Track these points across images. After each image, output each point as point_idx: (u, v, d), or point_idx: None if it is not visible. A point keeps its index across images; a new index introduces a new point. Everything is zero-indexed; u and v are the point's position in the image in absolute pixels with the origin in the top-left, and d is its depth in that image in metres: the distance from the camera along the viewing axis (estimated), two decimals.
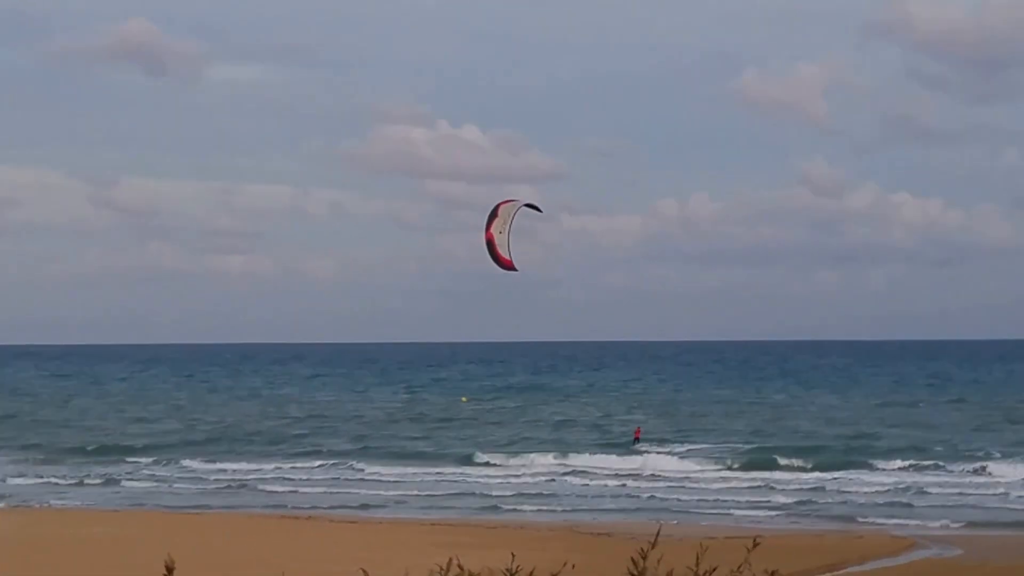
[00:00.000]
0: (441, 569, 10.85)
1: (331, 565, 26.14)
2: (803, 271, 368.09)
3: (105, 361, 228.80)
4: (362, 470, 60.27)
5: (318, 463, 62.79)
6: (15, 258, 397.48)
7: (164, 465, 63.08)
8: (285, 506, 47.78)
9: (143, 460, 64.92)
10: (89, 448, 70.09)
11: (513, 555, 10.05)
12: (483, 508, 47.47)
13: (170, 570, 9.54)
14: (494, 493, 51.26)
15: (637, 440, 69.90)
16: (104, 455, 67.39)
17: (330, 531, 38.71)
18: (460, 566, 10.85)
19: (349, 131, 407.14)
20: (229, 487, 54.61)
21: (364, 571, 11.32)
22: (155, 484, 56.17)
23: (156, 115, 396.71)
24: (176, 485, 55.82)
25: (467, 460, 63.53)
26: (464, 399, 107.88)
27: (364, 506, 48.00)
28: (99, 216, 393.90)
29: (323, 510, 46.19)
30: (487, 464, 62.15)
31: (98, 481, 57.25)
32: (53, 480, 57.32)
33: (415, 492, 52.07)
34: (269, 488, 54.02)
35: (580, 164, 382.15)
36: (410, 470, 59.67)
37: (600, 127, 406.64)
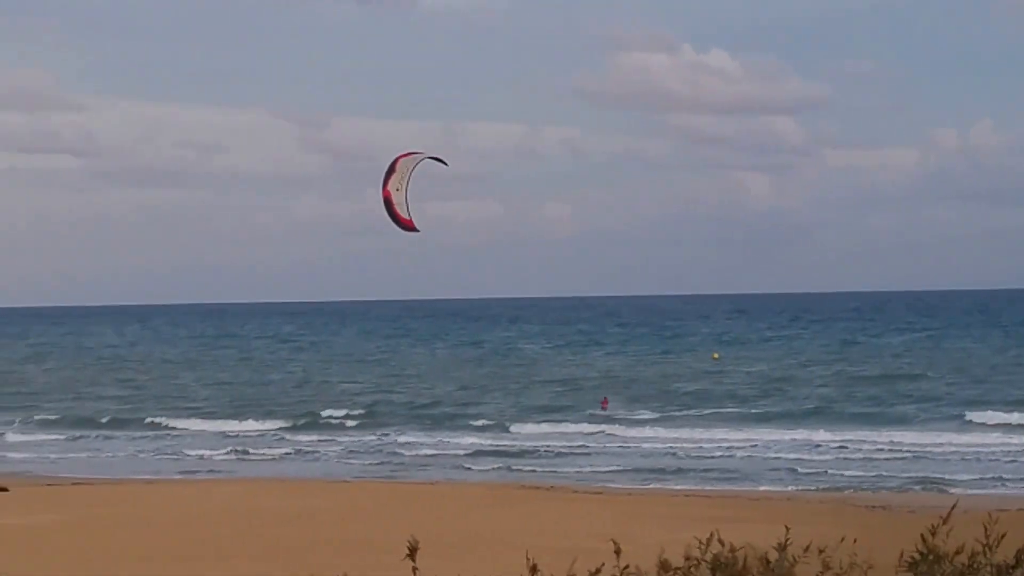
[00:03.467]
0: (701, 544, 11.02)
1: (576, 539, 26.57)
2: None
3: (331, 320, 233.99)
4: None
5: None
6: (220, 209, 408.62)
7: (437, 430, 64.92)
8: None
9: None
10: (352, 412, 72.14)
11: (787, 528, 10.18)
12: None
13: (413, 550, 9.88)
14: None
15: (604, 410, 70.45)
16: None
17: (574, 503, 39.23)
18: (721, 541, 11.01)
19: (581, 61, 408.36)
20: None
21: (615, 542, 11.56)
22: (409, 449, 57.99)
23: (369, 47, 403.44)
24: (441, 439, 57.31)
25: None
26: (715, 355, 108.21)
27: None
28: (310, 161, 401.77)
29: (568, 480, 46.97)
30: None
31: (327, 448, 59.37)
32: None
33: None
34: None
35: (843, 91, 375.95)
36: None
37: (866, 48, 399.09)
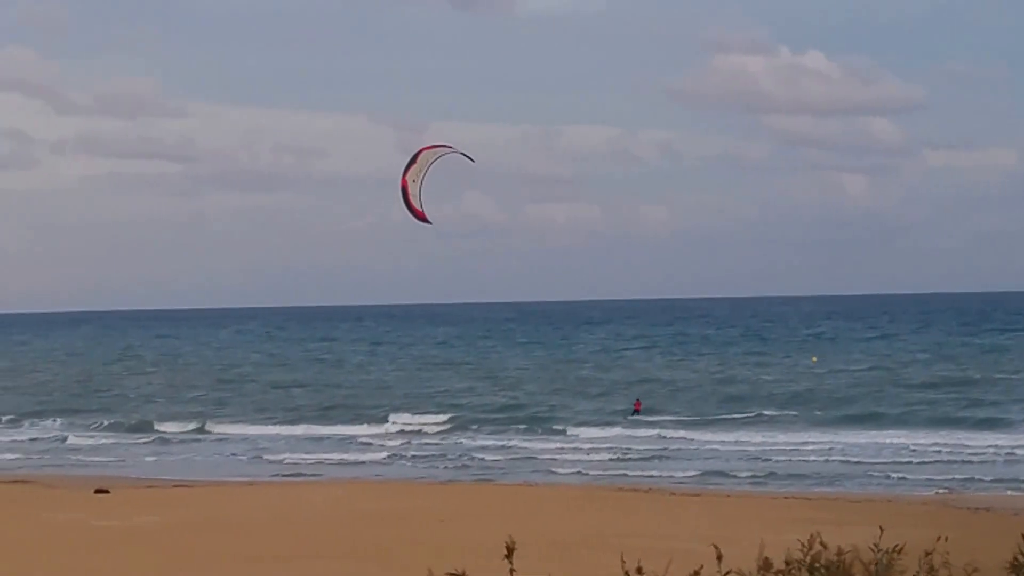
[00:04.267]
0: (803, 546, 11.05)
1: (675, 542, 26.64)
2: None
3: (426, 323, 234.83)
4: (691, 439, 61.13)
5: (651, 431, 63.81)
6: (318, 213, 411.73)
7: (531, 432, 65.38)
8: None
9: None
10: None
11: (881, 529, 10.19)
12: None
13: (510, 551, 10.01)
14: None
15: (636, 412, 70.79)
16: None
17: (671, 505, 39.27)
18: (823, 543, 11.03)
19: (678, 64, 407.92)
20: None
21: (716, 547, 11.60)
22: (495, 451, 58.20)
23: (465, 52, 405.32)
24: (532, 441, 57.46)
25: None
26: (814, 359, 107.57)
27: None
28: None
29: (664, 483, 46.98)
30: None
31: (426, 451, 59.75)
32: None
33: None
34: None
35: (943, 92, 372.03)
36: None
37: (966, 48, 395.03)
